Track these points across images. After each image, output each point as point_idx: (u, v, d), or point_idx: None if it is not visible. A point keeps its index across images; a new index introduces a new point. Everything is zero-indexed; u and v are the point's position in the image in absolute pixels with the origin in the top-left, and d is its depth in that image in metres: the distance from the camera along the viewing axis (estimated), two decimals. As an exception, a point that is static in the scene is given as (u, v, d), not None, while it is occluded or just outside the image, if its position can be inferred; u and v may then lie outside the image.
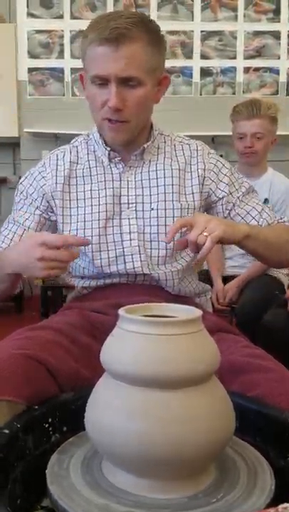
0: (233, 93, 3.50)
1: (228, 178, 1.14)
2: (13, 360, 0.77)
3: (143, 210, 1.09)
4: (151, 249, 1.10)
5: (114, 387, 0.57)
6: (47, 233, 1.00)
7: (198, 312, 0.60)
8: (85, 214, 1.10)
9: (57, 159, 1.14)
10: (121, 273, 1.09)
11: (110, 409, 0.56)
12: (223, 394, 0.59)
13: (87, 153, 1.14)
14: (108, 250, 1.09)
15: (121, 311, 0.60)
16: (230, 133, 2.13)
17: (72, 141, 1.18)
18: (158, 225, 1.09)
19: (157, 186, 1.11)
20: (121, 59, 0.98)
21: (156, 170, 1.12)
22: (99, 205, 1.09)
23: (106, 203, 1.09)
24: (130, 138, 1.07)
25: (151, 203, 1.10)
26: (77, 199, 1.11)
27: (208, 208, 1.16)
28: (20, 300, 3.56)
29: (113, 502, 0.53)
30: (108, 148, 1.10)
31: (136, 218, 1.09)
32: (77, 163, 1.14)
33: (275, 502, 0.53)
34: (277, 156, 2.48)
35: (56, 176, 1.12)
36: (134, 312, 0.61)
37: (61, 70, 3.51)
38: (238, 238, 0.98)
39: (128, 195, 1.10)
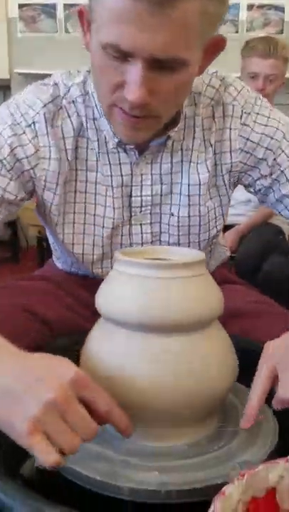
0: (236, 31, 3.31)
1: (273, 154, 0.78)
2: (5, 310, 0.73)
3: (161, 213, 0.81)
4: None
5: (109, 333, 0.53)
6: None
7: (201, 255, 0.55)
8: (85, 214, 0.80)
9: (52, 125, 0.75)
10: None
11: (106, 356, 0.52)
12: (226, 339, 0.56)
13: (86, 122, 0.77)
14: (111, 259, 0.83)
15: (117, 253, 0.55)
16: (234, 74, 2.02)
17: (59, 83, 0.77)
18: (179, 235, 0.82)
19: (181, 184, 0.80)
20: (165, 28, 0.58)
21: (182, 161, 0.79)
22: (105, 206, 0.80)
23: (113, 207, 0.80)
24: (154, 134, 0.73)
25: (171, 205, 0.81)
26: (80, 191, 0.80)
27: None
28: (16, 251, 3.52)
29: (108, 450, 0.51)
30: (117, 139, 0.75)
31: (150, 224, 0.82)
32: (81, 136, 0.77)
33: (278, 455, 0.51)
34: (283, 99, 2.37)
35: (59, 158, 0.76)
36: (132, 255, 0.56)
37: (53, 6, 3.30)
38: None
39: (141, 196, 0.80)
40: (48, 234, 0.92)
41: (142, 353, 0.50)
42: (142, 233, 0.82)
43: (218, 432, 0.55)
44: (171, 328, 0.50)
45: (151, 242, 0.83)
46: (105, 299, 0.55)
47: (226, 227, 2.07)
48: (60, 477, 0.49)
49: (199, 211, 0.81)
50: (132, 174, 0.79)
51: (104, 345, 0.53)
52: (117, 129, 0.71)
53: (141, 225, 0.82)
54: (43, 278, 0.92)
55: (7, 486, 0.43)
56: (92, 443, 0.51)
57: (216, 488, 0.45)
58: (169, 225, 0.82)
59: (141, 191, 0.80)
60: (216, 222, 0.85)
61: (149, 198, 0.80)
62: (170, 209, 0.81)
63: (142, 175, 0.79)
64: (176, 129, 0.76)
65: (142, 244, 0.83)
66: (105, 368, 0.52)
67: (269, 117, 0.79)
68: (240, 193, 2.09)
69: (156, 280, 0.51)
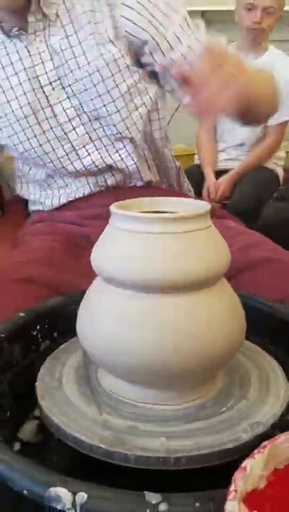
0: None
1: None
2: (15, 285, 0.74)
3: (75, 81, 0.86)
4: (102, 127, 0.89)
5: (107, 293, 0.49)
6: None
7: (206, 206, 0.50)
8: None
9: None
10: (79, 171, 0.93)
11: (104, 317, 0.48)
12: (233, 297, 0.52)
13: None
14: (54, 150, 0.90)
15: (112, 208, 0.50)
16: (223, 7, 1.88)
17: None
18: (95, 84, 0.85)
19: (78, 43, 0.84)
20: None
21: (71, 21, 0.84)
22: (16, 99, 0.88)
23: (24, 93, 0.87)
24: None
25: (79, 67, 0.85)
26: None
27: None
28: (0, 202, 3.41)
29: (113, 416, 0.48)
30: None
31: (68, 98, 0.88)
32: None
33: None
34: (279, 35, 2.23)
35: None
36: (128, 208, 0.51)
37: None
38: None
39: (47, 73, 0.87)
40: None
41: (139, 315, 0.47)
42: (64, 111, 0.88)
43: (225, 392, 0.52)
44: (169, 287, 0.46)
45: (78, 117, 0.88)
46: (98, 254, 0.50)
47: (218, 173, 2.00)
48: (62, 445, 0.46)
49: (103, 57, 0.85)
50: (30, 55, 0.86)
51: (99, 305, 0.50)
52: None
53: (60, 103, 0.88)
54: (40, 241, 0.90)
55: (3, 455, 0.40)
56: (96, 408, 0.48)
57: (228, 453, 0.43)
58: (86, 90, 0.86)
59: (44, 68, 0.86)
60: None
61: (54, 72, 0.86)
62: (79, 68, 0.85)
63: (39, 53, 0.86)
64: None
65: (70, 121, 0.89)
66: (100, 329, 0.48)
67: None
68: (231, 136, 2.00)
69: (154, 236, 0.46)
